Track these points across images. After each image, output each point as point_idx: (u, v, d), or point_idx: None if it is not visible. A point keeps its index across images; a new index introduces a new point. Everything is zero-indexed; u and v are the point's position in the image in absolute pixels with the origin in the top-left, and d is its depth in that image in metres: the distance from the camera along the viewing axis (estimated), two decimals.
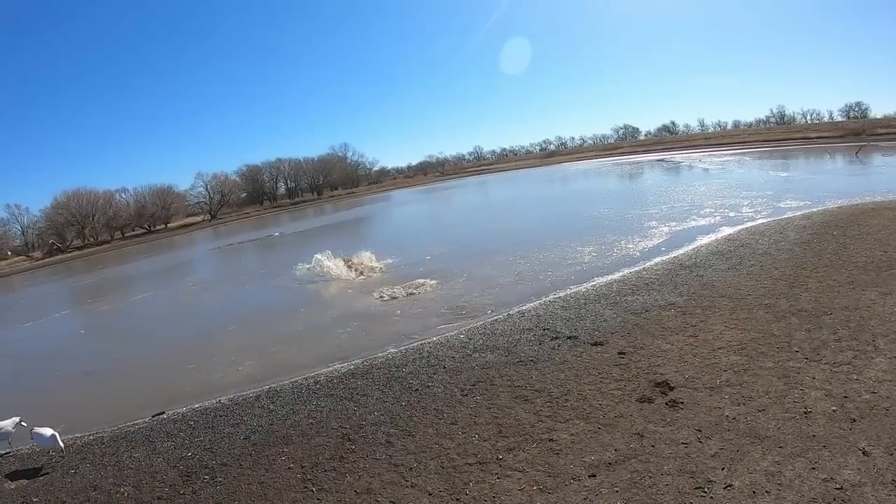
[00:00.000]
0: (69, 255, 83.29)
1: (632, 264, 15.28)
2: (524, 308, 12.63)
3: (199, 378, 12.02)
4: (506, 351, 9.87)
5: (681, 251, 15.78)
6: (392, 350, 11.39)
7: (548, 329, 10.60)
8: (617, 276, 14.17)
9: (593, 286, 13.47)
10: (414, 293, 16.16)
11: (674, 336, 9.12)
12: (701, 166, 46.99)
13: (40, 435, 8.28)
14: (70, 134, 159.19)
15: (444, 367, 9.61)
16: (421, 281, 17.48)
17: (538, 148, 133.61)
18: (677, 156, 66.12)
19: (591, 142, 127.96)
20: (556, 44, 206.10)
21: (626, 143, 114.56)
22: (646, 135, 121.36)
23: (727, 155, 56.42)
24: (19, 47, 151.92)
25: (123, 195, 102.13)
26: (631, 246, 17.68)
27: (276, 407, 9.18)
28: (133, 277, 40.40)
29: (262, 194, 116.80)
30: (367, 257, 22.43)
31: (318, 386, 9.88)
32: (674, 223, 20.30)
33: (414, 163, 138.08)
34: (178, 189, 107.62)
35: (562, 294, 13.30)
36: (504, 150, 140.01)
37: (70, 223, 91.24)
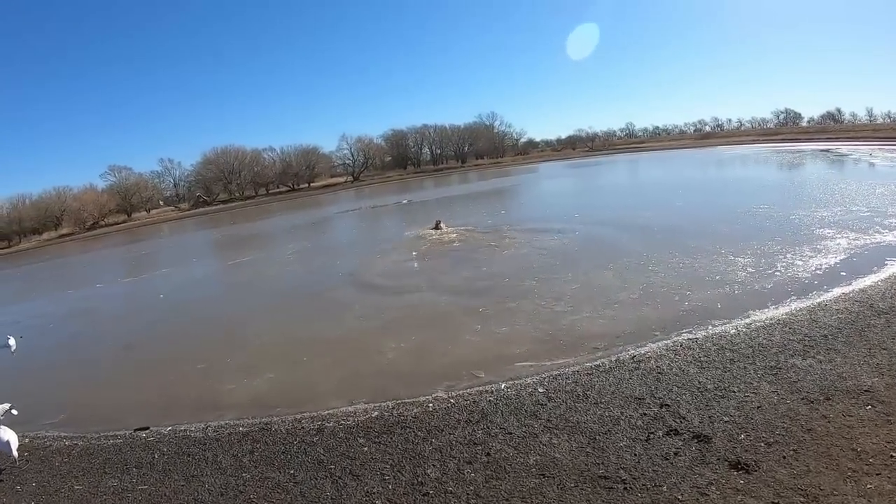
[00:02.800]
0: (214, 207, 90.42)
1: (802, 294, 10.76)
2: (641, 351, 8.86)
3: (207, 383, 10.88)
4: (590, 441, 6.30)
5: (868, 281, 11.00)
6: (439, 394, 8.51)
7: (667, 407, 6.81)
8: (781, 312, 9.83)
9: (746, 326, 9.28)
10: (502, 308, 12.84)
11: (877, 477, 5.02)
12: (873, 161, 38.61)
13: None
14: (225, 93, 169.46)
15: (489, 455, 6.36)
16: (516, 284, 14.54)
17: (692, 128, 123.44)
18: (843, 147, 56.61)
19: (748, 125, 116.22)
20: (717, 20, 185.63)
21: (787, 128, 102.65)
22: (808, 121, 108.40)
23: None
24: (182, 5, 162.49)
25: (270, 154, 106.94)
26: (799, 262, 12.90)
27: (248, 463, 7.18)
28: (252, 236, 41.78)
29: (406, 159, 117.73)
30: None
31: (317, 439, 7.53)
32: (852, 234, 14.90)
33: (563, 136, 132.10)
34: (323, 150, 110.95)
35: (700, 335, 9.29)
36: (657, 128, 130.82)
37: (217, 178, 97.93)
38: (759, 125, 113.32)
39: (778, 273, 12.41)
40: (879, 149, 50.25)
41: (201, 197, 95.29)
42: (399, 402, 8.34)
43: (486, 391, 8.19)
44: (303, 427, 7.89)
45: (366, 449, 6.97)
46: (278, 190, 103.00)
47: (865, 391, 6.55)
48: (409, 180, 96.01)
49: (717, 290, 11.75)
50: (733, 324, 9.59)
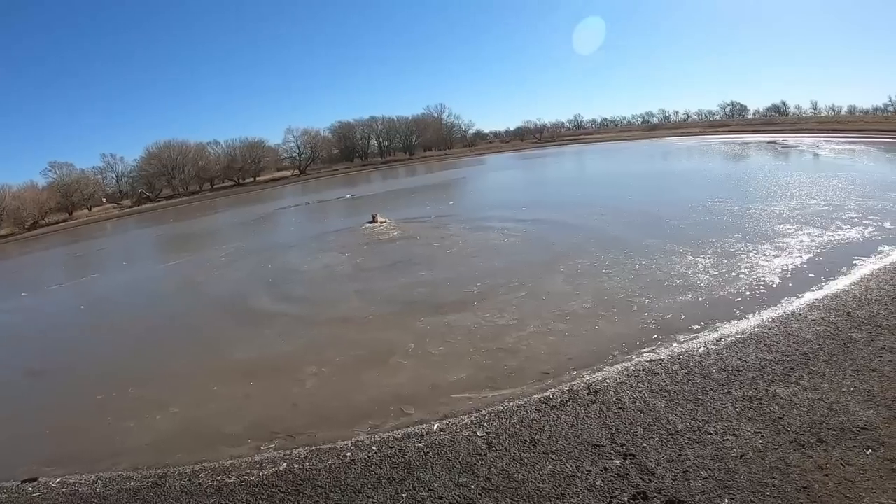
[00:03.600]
0: (157, 204, 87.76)
1: (771, 300, 9.73)
2: (597, 378, 7.60)
3: (105, 419, 9.38)
4: None
5: (840, 284, 10.11)
6: (360, 438, 7.16)
7: (632, 457, 5.53)
8: (752, 324, 8.75)
9: (716, 343, 8.16)
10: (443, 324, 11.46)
11: None
12: (820, 153, 38.84)
13: None
14: (165, 86, 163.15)
15: None
16: (455, 290, 13.36)
17: (640, 120, 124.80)
18: (789, 139, 57.48)
19: (695, 117, 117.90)
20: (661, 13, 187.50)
21: (734, 121, 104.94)
22: (754, 114, 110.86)
23: (846, 143, 46.87)
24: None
25: (214, 148, 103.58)
26: (764, 263, 11.93)
27: None
28: (189, 234, 40.03)
29: (353, 152, 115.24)
30: None
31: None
32: (813, 230, 14.07)
33: (511, 127, 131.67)
34: (269, 143, 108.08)
35: (665, 354, 8.11)
36: (605, 119, 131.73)
37: (161, 173, 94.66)
38: (706, 117, 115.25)
39: (742, 275, 11.38)
40: (825, 141, 50.87)
41: (144, 193, 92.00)
42: (313, 448, 6.97)
43: (416, 434, 6.86)
44: (199, 484, 6.55)
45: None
46: (223, 185, 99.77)
47: (862, 428, 5.47)
48: (357, 173, 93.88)
49: (679, 297, 10.63)
50: (701, 339, 8.47)
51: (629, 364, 7.94)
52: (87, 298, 20.93)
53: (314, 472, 6.36)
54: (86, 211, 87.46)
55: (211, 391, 9.70)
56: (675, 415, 6.23)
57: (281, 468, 6.59)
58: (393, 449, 6.58)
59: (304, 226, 33.90)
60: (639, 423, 6.16)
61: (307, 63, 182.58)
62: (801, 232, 14.07)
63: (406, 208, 32.26)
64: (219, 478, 6.59)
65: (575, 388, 7.37)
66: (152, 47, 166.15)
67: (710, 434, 5.74)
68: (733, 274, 11.52)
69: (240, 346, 11.89)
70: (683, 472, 5.19)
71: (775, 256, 12.29)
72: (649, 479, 5.15)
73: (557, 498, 5.11)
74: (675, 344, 8.46)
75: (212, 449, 7.54)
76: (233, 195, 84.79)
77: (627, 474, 5.28)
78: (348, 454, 6.64)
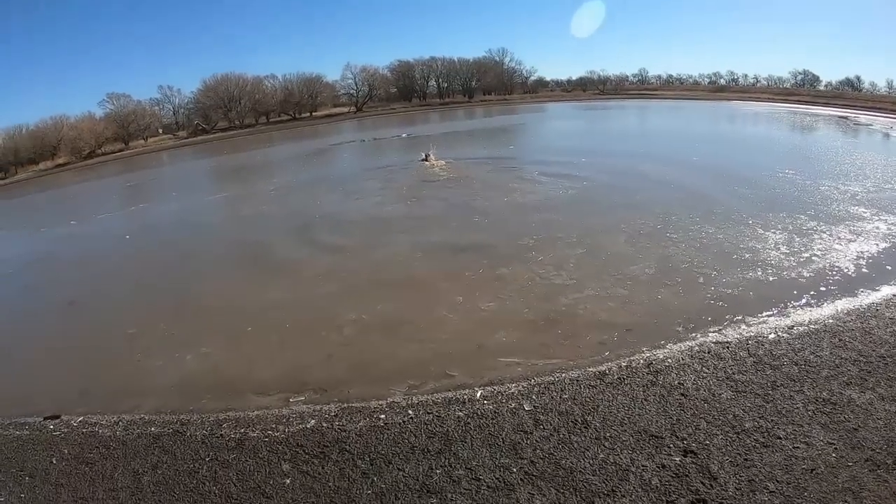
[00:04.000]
0: (212, 136, 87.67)
1: (846, 289, 8.71)
2: (659, 356, 6.95)
3: (134, 356, 9.21)
4: None
5: None
6: (396, 398, 6.76)
7: (693, 455, 4.94)
8: (826, 314, 7.81)
9: (788, 331, 7.32)
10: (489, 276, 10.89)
11: None
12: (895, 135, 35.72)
13: None
14: (226, 20, 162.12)
15: None
16: (510, 241, 12.67)
17: (707, 80, 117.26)
18: (861, 116, 53.10)
19: (764, 82, 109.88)
20: None
21: (804, 90, 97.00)
22: (826, 85, 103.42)
23: None
24: None
25: (271, 82, 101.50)
26: (838, 247, 10.74)
27: (146, 485, 5.66)
28: (240, 167, 39.45)
29: (411, 91, 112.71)
30: None
31: (233, 458, 5.89)
32: (890, 217, 12.59)
33: (574, 77, 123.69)
34: (327, 79, 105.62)
35: (732, 337, 7.35)
36: (670, 76, 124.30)
37: (217, 106, 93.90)
38: (776, 84, 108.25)
39: (816, 258, 10.29)
40: None
41: (199, 125, 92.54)
42: (345, 406, 6.62)
43: (457, 400, 6.40)
44: (222, 435, 6.28)
45: (287, 482, 5.30)
46: (279, 119, 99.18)
47: None
48: (414, 113, 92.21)
49: (748, 274, 9.71)
50: (771, 324, 7.64)
51: (693, 344, 7.24)
52: (133, 228, 21.06)
53: (343, 433, 5.99)
54: (142, 141, 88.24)
55: (244, 332, 9.46)
56: (742, 410, 5.57)
57: (308, 425, 6.26)
58: (431, 415, 6.14)
59: (356, 163, 33.34)
60: (702, 415, 5.53)
61: (369, 1, 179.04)
62: (877, 218, 12.72)
63: (463, 151, 31.26)
64: (242, 430, 6.31)
65: (634, 364, 6.76)
66: None
67: (780, 438, 5.07)
68: (805, 255, 10.48)
69: (279, 285, 11.62)
70: (749, 481, 4.57)
71: (850, 241, 11.10)
72: (711, 485, 4.55)
73: (608, 495, 4.58)
74: (743, 326, 7.67)
75: (239, 396, 7.29)
76: (288, 129, 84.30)
77: (687, 475, 4.69)
78: (382, 416, 6.25)
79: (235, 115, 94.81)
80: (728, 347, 7.00)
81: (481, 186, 19.57)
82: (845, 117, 51.83)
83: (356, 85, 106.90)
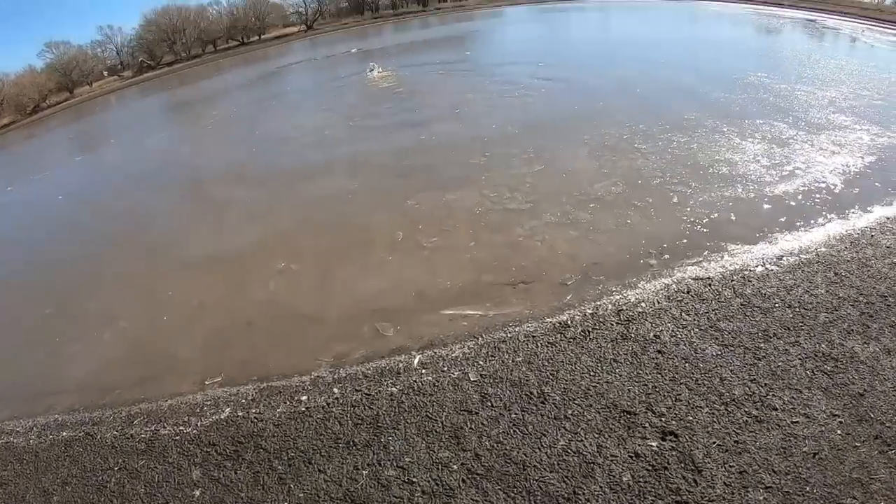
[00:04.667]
0: (159, 71, 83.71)
1: (836, 211, 7.47)
2: (630, 298, 5.87)
3: (52, 340, 8.21)
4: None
5: None
6: (322, 373, 5.77)
7: (673, 438, 3.93)
8: (817, 239, 6.68)
9: (777, 263, 6.21)
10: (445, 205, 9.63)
11: None
12: (864, 40, 33.66)
13: None
14: None
15: None
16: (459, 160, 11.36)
17: None
18: (829, 20, 50.85)
19: None
20: None
21: None
22: None
23: (891, 34, 40.88)
24: None
25: (216, 7, 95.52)
26: (821, 159, 9.42)
27: None
28: (182, 102, 37.76)
29: (363, 4, 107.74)
30: None
31: (141, 464, 5.11)
32: (873, 128, 11.28)
33: None
34: None
35: (714, 271, 6.25)
36: None
37: (161, 40, 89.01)
38: None
39: (799, 171, 9.02)
40: (869, 28, 44.97)
41: (144, 62, 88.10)
42: (263, 386, 5.66)
43: (390, 370, 5.40)
44: (132, 436, 5.45)
45: (197, 494, 4.45)
46: (227, 46, 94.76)
47: None
48: (367, 26, 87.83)
49: (727, 191, 8.48)
50: (757, 254, 6.50)
51: (670, 281, 6.13)
52: (67, 188, 19.21)
53: (260, 424, 5.03)
54: (87, 87, 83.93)
55: (166, 297, 8.37)
56: (731, 371, 4.53)
57: (223, 415, 5.30)
58: (359, 393, 5.14)
59: (300, 83, 31.33)
60: (683, 380, 4.50)
61: None
62: (858, 127, 11.43)
63: (413, 61, 29.52)
64: (153, 427, 5.43)
65: (601, 311, 5.67)
66: None
67: (776, 410, 4.06)
68: (788, 168, 9.26)
69: (203, 236, 10.42)
70: (740, 473, 3.60)
71: (834, 153, 9.84)
72: (695, 481, 3.58)
73: (568, 500, 3.56)
74: (725, 257, 6.54)
75: (155, 381, 6.37)
76: (237, 56, 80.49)
77: (666, 468, 3.70)
78: (303, 399, 5.27)
79: (181, 46, 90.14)
80: (710, 285, 5.91)
81: (429, 98, 18.00)
82: (812, 20, 49.54)
83: (304, 2, 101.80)
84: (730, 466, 3.63)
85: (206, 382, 5.97)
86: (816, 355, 4.59)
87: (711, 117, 12.32)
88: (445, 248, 7.85)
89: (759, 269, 6.13)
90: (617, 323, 5.39)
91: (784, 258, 6.28)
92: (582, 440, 4.02)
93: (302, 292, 7.52)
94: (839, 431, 3.81)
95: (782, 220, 7.37)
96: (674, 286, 5.98)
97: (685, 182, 8.93)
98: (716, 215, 7.73)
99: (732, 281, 5.94)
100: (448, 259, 7.52)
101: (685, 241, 7.12)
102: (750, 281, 5.90)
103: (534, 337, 5.40)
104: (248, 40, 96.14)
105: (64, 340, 7.97)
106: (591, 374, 4.71)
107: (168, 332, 7.44)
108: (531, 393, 4.61)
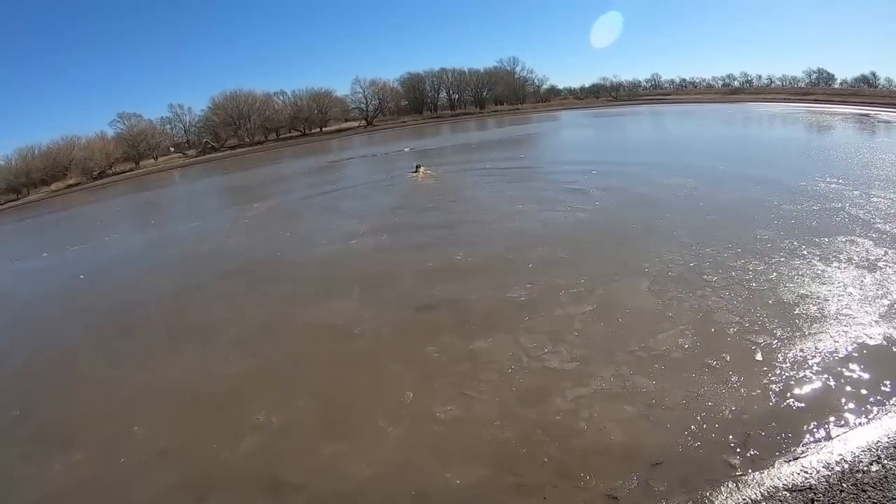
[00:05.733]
0: (221, 153, 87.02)
1: None
2: None
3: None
4: None
5: None
6: None
7: None
8: None
9: (891, 451, 4.40)
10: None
11: None
12: None
13: None
14: (235, 38, 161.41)
15: None
16: (493, 294, 9.51)
17: (720, 83, 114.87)
18: (882, 113, 49.25)
19: (779, 83, 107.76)
20: None
21: (820, 89, 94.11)
22: (841, 83, 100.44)
23: None
24: None
25: (281, 98, 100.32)
26: None
27: None
28: (231, 188, 38.29)
29: (422, 104, 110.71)
30: None
31: None
32: None
33: (586, 84, 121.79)
34: (337, 94, 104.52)
35: (814, 472, 4.41)
36: (683, 80, 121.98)
37: (226, 123, 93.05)
38: (790, 84, 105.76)
39: None
40: None
41: (208, 143, 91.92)
42: None
43: None
44: None
45: None
46: (289, 135, 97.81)
47: None
48: (424, 126, 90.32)
49: (821, 340, 6.66)
50: (869, 438, 4.71)
51: (758, 495, 4.27)
52: (93, 265, 18.58)
53: None
54: (152, 160, 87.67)
55: (131, 433, 6.90)
56: None
57: None
58: None
59: (345, 179, 30.95)
60: None
61: (378, 14, 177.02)
62: None
63: (466, 161, 29.36)
64: None
65: None
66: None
67: None
68: (885, 301, 7.34)
69: (186, 360, 8.92)
70: None
71: None
72: None
73: None
74: (830, 447, 4.64)
75: None
76: (297, 145, 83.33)
77: None
78: None
79: (245, 132, 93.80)
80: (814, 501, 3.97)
81: (474, 208, 16.68)
82: (867, 115, 48.08)
83: (366, 99, 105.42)
84: None
85: None
86: None
87: (787, 236, 10.63)
88: (463, 421, 6.00)
89: (875, 467, 4.16)
90: None
91: None
92: None
93: (273, 465, 5.75)
94: None
95: (890, 382, 5.38)
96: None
97: (768, 329, 7.05)
98: (810, 379, 5.86)
99: (842, 491, 4.00)
100: (464, 439, 5.68)
101: (774, 423, 5.25)
102: (865, 490, 3.97)
103: None
104: (310, 131, 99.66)
105: (12, 460, 6.84)
106: None
107: (119, 478, 6.06)
108: None
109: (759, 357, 6.44)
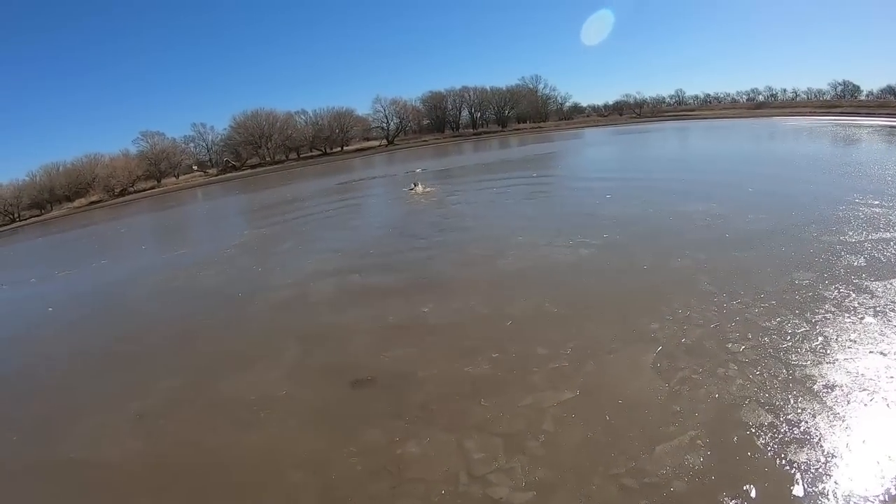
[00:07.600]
0: (241, 172, 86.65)
1: None
2: None
3: None
4: None
5: None
6: None
7: None
8: None
9: None
10: None
11: None
12: None
13: None
14: (259, 57, 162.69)
15: None
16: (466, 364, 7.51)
17: (745, 97, 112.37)
18: None
19: (804, 96, 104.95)
20: None
21: (846, 101, 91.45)
22: (867, 95, 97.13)
23: None
24: None
25: (302, 117, 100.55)
26: None
27: None
28: (242, 210, 37.40)
29: (443, 122, 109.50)
30: None
31: None
32: None
33: (610, 101, 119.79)
34: (358, 113, 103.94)
35: None
36: (707, 96, 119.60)
37: (248, 142, 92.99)
38: (816, 97, 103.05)
39: None
40: None
41: (229, 162, 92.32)
42: None
43: None
44: None
45: None
46: (310, 154, 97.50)
47: None
48: (446, 144, 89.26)
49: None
50: None
51: None
52: (67, 295, 17.56)
53: None
54: (174, 179, 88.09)
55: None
56: None
57: None
58: None
59: (344, 205, 28.92)
60: None
61: (398, 33, 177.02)
62: None
63: (478, 182, 27.96)
64: None
65: None
66: (244, 22, 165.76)
67: None
68: None
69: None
70: None
71: None
72: None
73: None
74: None
75: None
76: (315, 165, 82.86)
77: None
78: None
79: (266, 151, 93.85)
80: None
81: (466, 238, 15.05)
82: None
83: (387, 118, 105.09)
84: None
85: None
86: None
87: (831, 279, 8.58)
88: None
89: None
90: None
91: None
92: None
93: None
94: None
95: None
96: None
97: (813, 432, 5.04)
98: None
99: None
100: None
101: None
102: None
103: None
104: (331, 150, 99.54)
105: None
106: None
107: None
108: None
109: (797, 492, 4.38)
